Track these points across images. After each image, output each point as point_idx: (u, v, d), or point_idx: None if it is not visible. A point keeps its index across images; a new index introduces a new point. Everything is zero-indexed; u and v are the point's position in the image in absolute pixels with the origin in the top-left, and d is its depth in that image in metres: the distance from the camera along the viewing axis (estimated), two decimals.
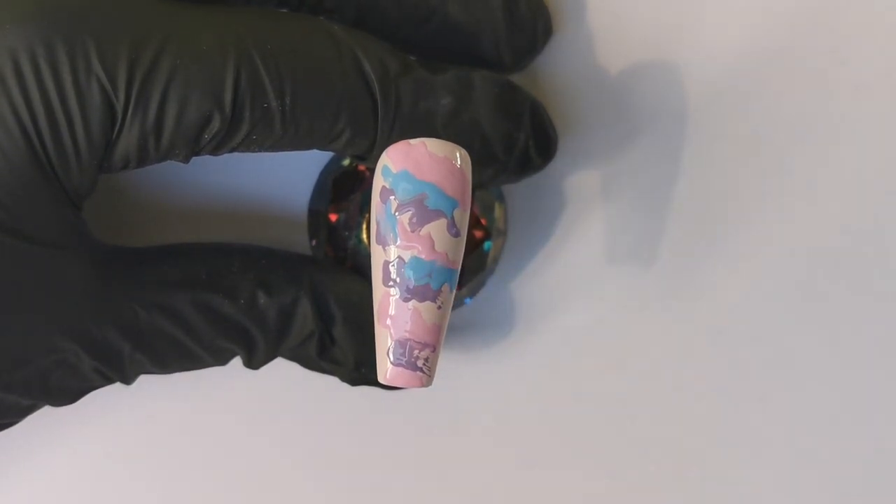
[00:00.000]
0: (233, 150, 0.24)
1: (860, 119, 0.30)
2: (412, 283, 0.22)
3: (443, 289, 0.22)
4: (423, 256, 0.22)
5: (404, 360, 0.22)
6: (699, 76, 0.29)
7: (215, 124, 0.23)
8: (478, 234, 0.29)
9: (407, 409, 0.31)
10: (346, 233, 0.28)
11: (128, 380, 0.25)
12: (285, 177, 0.29)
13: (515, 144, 0.26)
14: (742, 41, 0.29)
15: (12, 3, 0.22)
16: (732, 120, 0.30)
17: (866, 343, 0.31)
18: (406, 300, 0.22)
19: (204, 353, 0.25)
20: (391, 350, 0.22)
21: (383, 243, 0.22)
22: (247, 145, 0.24)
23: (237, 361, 0.26)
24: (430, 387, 0.22)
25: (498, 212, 0.29)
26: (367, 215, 0.28)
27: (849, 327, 0.31)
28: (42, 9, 0.22)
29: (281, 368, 0.27)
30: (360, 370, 0.27)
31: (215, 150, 0.24)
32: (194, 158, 0.24)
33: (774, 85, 0.30)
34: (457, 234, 0.22)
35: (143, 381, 0.26)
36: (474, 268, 0.29)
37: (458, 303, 0.29)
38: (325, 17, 0.25)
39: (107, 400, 0.28)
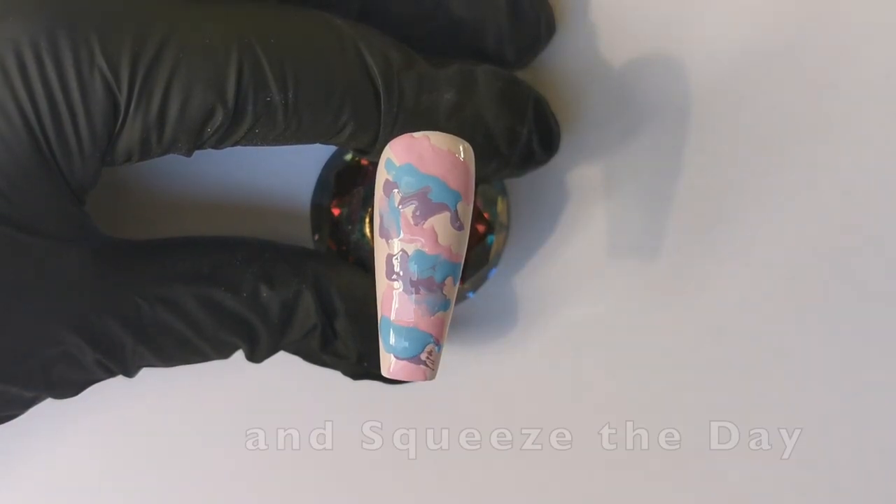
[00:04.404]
0: (236, 143, 0.24)
1: (861, 117, 0.30)
2: (416, 277, 0.22)
3: (446, 282, 0.22)
4: (426, 250, 0.21)
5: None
6: (701, 73, 0.29)
7: (218, 118, 0.23)
8: (480, 228, 0.29)
9: (409, 404, 0.31)
10: (349, 227, 0.28)
11: (130, 373, 0.25)
12: (288, 171, 0.29)
13: (518, 139, 0.26)
14: (744, 38, 0.29)
15: None
16: (734, 116, 0.30)
17: (866, 341, 0.31)
18: (409, 294, 0.22)
19: (206, 346, 0.25)
20: None
21: (386, 237, 0.22)
22: (249, 139, 0.24)
23: (239, 355, 0.26)
24: (433, 381, 0.22)
25: (501, 206, 0.29)
26: (370, 209, 0.28)
27: (849, 326, 0.31)
28: (46, 0, 0.22)
29: (283, 363, 0.27)
30: (363, 364, 0.27)
31: (218, 144, 0.23)
32: (197, 152, 0.24)
33: (776, 82, 0.30)
34: (460, 228, 0.22)
35: (146, 374, 0.26)
36: (477, 262, 0.29)
37: (461, 297, 0.29)
38: (328, 12, 0.25)
39: (109, 393, 0.28)
